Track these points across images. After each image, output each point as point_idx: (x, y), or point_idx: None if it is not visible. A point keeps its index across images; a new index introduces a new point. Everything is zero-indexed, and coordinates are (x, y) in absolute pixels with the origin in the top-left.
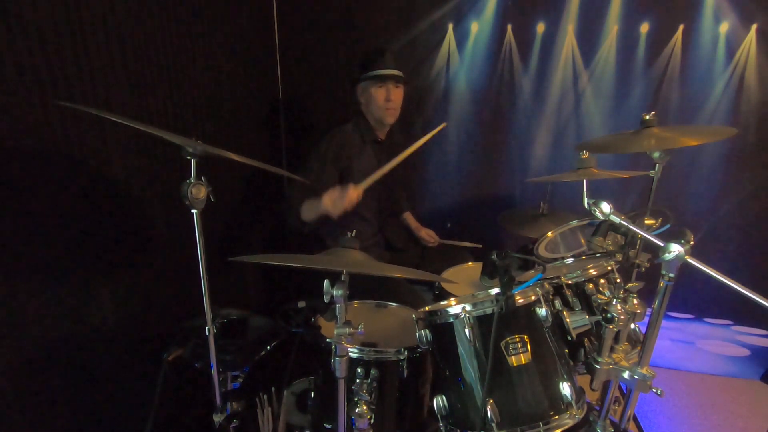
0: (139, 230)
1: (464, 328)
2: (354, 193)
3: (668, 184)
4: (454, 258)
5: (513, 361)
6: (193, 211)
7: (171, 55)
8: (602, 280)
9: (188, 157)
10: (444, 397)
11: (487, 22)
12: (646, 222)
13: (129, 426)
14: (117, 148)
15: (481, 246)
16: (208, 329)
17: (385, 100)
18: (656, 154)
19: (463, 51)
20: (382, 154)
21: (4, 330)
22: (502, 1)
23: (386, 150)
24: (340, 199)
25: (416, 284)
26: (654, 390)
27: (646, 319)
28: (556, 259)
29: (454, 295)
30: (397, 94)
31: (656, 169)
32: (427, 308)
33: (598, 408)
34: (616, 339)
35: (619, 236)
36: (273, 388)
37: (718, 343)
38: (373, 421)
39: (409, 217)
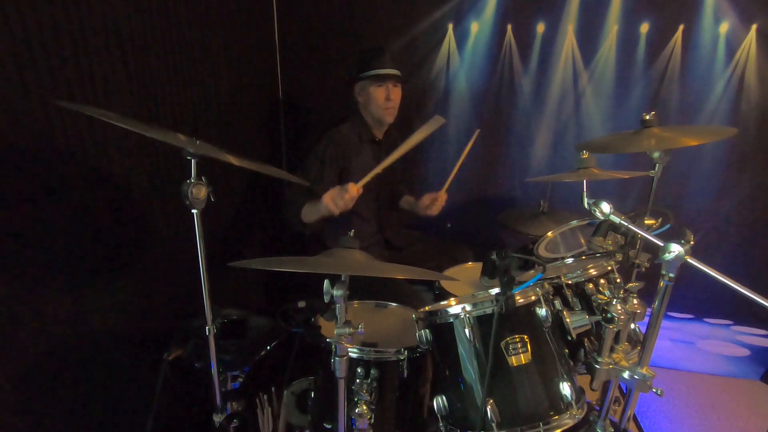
0: (140, 230)
1: (464, 328)
2: (354, 189)
3: (668, 184)
4: (454, 257)
5: (513, 361)
6: (194, 211)
7: (171, 55)
8: (602, 280)
9: (188, 158)
10: (444, 397)
11: (487, 22)
12: (646, 222)
13: (129, 426)
14: (117, 148)
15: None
16: (208, 329)
17: (385, 100)
18: (656, 154)
19: (463, 51)
20: (380, 154)
21: (4, 330)
22: (502, 1)
23: (384, 149)
24: (340, 197)
25: (416, 284)
26: (654, 390)
27: (646, 319)
28: (556, 259)
29: (454, 295)
30: (396, 93)
31: (656, 169)
32: (427, 308)
33: (598, 408)
34: (616, 339)
35: (619, 236)
36: (273, 388)
37: (718, 343)
38: (373, 421)
39: (407, 198)
